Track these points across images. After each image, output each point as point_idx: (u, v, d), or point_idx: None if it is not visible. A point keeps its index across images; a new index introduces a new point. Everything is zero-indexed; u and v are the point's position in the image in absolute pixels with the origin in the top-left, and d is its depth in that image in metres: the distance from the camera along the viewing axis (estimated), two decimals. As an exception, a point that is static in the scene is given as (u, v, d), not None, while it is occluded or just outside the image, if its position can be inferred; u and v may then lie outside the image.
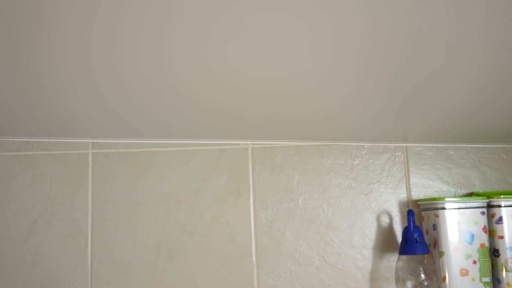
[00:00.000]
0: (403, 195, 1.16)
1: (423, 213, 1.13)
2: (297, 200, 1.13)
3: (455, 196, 1.16)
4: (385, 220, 1.14)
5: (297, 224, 1.12)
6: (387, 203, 1.15)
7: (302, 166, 1.14)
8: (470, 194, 1.17)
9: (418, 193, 1.16)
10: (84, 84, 0.81)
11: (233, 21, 0.64)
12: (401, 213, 1.15)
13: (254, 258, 1.10)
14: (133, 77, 0.79)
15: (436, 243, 1.07)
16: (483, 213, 1.07)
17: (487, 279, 1.05)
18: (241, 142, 1.14)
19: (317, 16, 0.64)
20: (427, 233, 1.11)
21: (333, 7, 0.62)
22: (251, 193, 1.12)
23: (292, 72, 0.80)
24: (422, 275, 1.03)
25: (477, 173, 1.19)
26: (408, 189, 1.16)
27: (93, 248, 1.08)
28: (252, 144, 1.14)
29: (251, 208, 1.12)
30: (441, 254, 1.06)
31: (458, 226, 1.06)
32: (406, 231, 1.06)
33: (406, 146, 1.18)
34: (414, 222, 1.06)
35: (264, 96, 0.89)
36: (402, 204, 1.15)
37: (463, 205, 1.07)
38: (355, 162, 1.16)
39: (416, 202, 1.15)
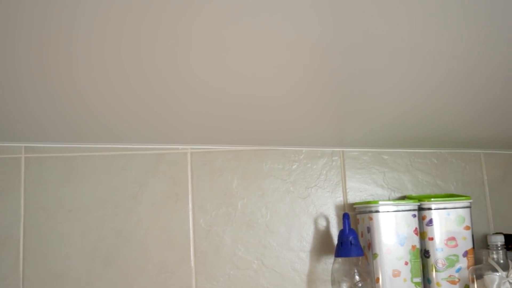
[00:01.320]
0: (339, 199, 1.19)
1: (358, 216, 1.16)
2: (236, 205, 1.14)
3: (388, 200, 1.20)
4: (322, 224, 1.17)
5: (236, 228, 1.13)
6: (324, 206, 1.18)
7: (241, 171, 1.15)
8: (403, 198, 1.21)
9: (354, 197, 1.19)
10: (15, 85, 0.79)
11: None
12: (338, 216, 1.17)
13: (192, 263, 1.10)
14: (67, 80, 0.78)
15: (370, 245, 1.10)
16: (414, 215, 1.11)
17: (418, 279, 1.09)
18: (180, 147, 1.13)
19: (251, 24, 0.64)
20: (362, 235, 1.14)
21: (265, 16, 0.63)
22: (190, 197, 1.12)
23: (229, 78, 0.80)
24: (357, 277, 1.06)
25: (410, 177, 1.23)
26: (345, 193, 1.19)
27: (25, 256, 1.04)
28: (191, 148, 1.14)
29: (190, 212, 1.12)
30: (374, 256, 1.09)
31: (391, 228, 1.09)
32: (341, 234, 1.09)
33: (342, 151, 1.21)
34: (349, 225, 1.09)
35: (202, 101, 0.89)
36: (338, 208, 1.18)
37: (395, 208, 1.10)
38: (293, 167, 1.18)
39: (352, 206, 1.18)
